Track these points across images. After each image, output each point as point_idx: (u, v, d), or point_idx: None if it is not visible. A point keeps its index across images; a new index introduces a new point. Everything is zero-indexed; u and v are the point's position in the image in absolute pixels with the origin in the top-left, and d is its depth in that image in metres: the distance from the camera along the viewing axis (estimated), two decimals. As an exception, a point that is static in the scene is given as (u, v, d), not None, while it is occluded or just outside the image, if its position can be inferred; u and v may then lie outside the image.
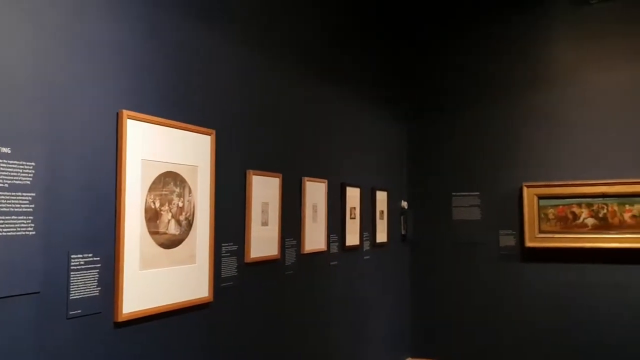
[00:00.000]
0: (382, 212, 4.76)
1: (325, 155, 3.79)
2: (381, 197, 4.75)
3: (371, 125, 4.65)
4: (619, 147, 4.69)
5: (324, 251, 3.68)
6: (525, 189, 4.90)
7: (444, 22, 5.42)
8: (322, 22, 3.86)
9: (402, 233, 5.27)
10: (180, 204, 2.33)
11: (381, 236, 4.73)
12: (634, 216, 4.61)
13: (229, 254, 2.68)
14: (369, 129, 4.61)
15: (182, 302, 2.32)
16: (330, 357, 3.77)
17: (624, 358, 4.56)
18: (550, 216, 4.83)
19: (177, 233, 2.31)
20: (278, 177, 3.10)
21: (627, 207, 4.63)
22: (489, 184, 5.12)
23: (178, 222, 2.31)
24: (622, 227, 4.63)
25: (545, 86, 4.97)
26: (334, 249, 3.83)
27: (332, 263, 3.80)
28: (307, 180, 3.43)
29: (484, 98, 5.18)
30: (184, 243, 2.34)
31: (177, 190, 2.32)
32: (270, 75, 3.14)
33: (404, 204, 5.32)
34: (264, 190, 2.97)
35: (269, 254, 3.01)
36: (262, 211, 2.94)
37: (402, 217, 5.26)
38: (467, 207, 5.19)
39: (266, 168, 3.01)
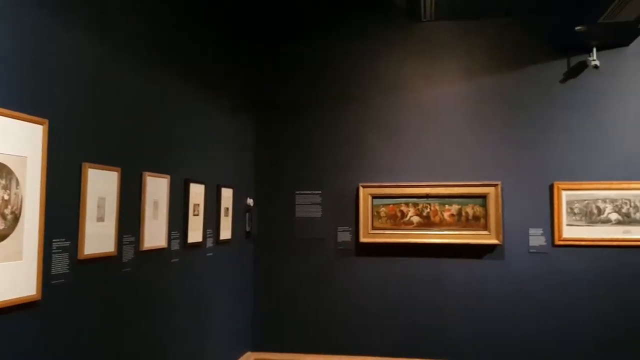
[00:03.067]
0: (227, 209, 4.81)
1: (169, 151, 3.75)
2: (227, 194, 4.80)
3: (218, 122, 4.68)
4: (442, 154, 5.25)
5: (165, 248, 3.64)
6: (361, 189, 5.27)
7: (291, 27, 5.62)
8: (169, 15, 3.81)
9: (247, 230, 5.36)
10: (6, 197, 2.19)
11: (225, 233, 4.78)
12: (452, 215, 5.17)
13: (60, 250, 2.56)
14: (216, 126, 4.63)
15: (6, 300, 2.18)
16: (169, 356, 3.73)
17: (445, 341, 5.12)
18: (382, 214, 5.25)
19: (1, 228, 2.16)
20: (117, 171, 3.02)
21: (446, 207, 5.19)
22: (329, 183, 5.42)
23: (3, 216, 2.17)
24: (442, 224, 5.18)
25: (383, 95, 5.39)
26: (175, 245, 3.81)
27: (173, 260, 3.77)
28: (148, 175, 3.37)
29: (327, 102, 5.48)
30: (9, 238, 2.20)
31: (3, 182, 2.17)
32: (111, 66, 3.04)
33: (250, 201, 5.42)
34: (101, 185, 2.87)
35: (105, 251, 2.91)
36: (99, 206, 2.85)
37: (247, 214, 5.36)
38: (309, 204, 5.44)
39: (104, 161, 2.92)
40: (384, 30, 5.44)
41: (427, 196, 5.21)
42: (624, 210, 4.89)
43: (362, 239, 5.25)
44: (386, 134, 5.35)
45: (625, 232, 4.88)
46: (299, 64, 5.58)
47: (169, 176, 3.66)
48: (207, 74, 4.46)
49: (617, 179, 4.93)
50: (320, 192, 5.43)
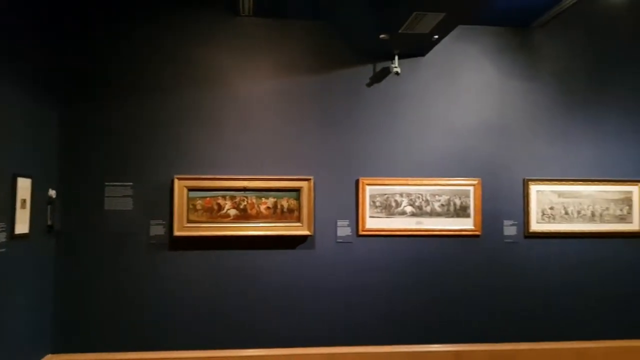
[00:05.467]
0: (24, 201, 4.39)
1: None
2: (24, 184, 4.38)
3: (13, 106, 4.24)
4: (259, 148, 5.36)
5: (-56, 244, 3.22)
6: (176, 181, 5.16)
7: (103, 9, 5.29)
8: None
9: (49, 224, 4.94)
10: None
11: (22, 227, 4.36)
12: (268, 208, 5.32)
13: None
14: (11, 110, 4.19)
15: None
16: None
17: (258, 329, 5.25)
18: (198, 207, 5.21)
19: None
20: None
21: (263, 200, 5.32)
22: (142, 175, 5.21)
23: None
24: (259, 217, 5.30)
25: (199, 87, 5.32)
26: (-42, 241, 3.39)
27: (-46, 257, 3.35)
28: None
29: (140, 92, 5.25)
30: None
31: None
32: None
33: (52, 192, 5.00)
34: None
35: None
36: None
37: (48, 207, 4.94)
38: (120, 197, 5.18)
39: None
40: (201, 21, 5.37)
41: (245, 189, 5.29)
42: (417, 204, 5.47)
43: (177, 233, 5.15)
44: (203, 126, 5.31)
45: (418, 223, 5.47)
46: (109, 46, 5.24)
47: (-51, 163, 3.24)
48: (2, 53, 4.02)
49: (413, 176, 5.50)
50: (131, 183, 5.20)
